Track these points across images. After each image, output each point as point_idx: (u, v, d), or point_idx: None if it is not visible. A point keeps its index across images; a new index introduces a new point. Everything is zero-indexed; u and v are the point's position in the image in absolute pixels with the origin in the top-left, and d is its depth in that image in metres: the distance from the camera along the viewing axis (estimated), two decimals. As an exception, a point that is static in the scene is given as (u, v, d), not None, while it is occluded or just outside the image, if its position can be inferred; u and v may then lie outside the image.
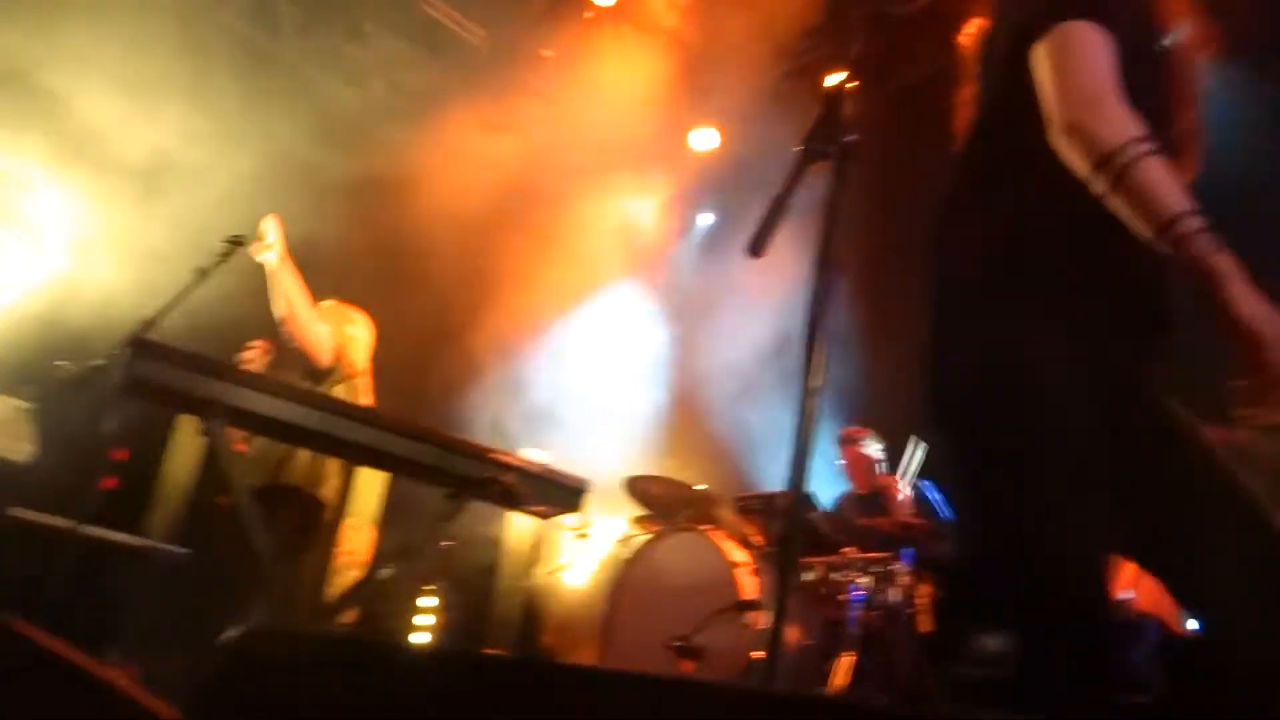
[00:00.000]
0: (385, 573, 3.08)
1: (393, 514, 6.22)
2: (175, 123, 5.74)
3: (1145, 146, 1.39)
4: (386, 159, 6.94)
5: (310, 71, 7.36)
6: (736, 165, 6.96)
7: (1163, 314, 1.59)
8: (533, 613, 5.33)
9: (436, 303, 6.84)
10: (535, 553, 5.51)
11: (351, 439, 2.48)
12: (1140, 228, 1.39)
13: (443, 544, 4.09)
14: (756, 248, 1.49)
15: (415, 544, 3.12)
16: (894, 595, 4.01)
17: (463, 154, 6.66)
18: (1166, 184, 1.38)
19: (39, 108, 5.36)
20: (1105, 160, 1.39)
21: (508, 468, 2.72)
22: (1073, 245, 1.52)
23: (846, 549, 4.25)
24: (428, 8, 7.14)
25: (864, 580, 4.04)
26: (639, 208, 7.24)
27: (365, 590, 3.14)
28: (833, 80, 1.73)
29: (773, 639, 1.51)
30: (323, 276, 6.38)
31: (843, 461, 5.30)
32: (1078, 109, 1.43)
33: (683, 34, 6.49)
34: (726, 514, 4.45)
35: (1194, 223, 1.35)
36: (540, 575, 5.39)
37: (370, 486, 5.76)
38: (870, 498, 5.08)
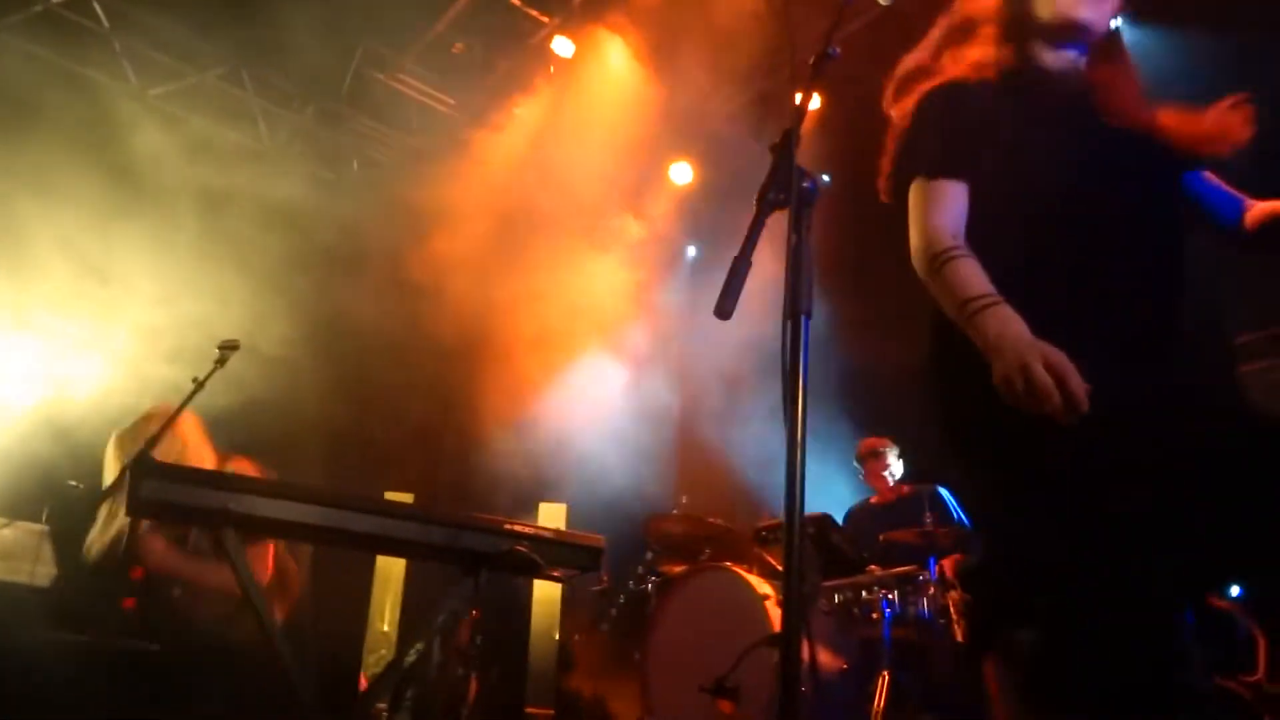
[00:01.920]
0: (415, 651, 3.07)
1: (418, 588, 6.26)
2: (152, 229, 5.83)
3: (945, 255, 1.77)
4: (370, 233, 7.03)
5: (285, 161, 7.47)
6: (714, 195, 7.04)
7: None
8: (568, 667, 5.32)
9: (439, 370, 6.89)
10: (563, 607, 5.50)
11: (361, 530, 2.50)
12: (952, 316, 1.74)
13: (469, 614, 4.09)
14: (724, 309, 1.51)
15: (441, 620, 3.10)
16: (925, 607, 4.00)
17: (444, 219, 6.74)
18: (960, 279, 1.73)
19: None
20: (925, 279, 1.82)
21: (521, 537, 2.73)
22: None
23: (872, 566, 4.24)
24: (397, 85, 7.25)
25: (893, 596, 4.03)
26: (626, 247, 7.30)
27: (397, 671, 3.14)
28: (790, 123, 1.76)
29: (784, 667, 1.51)
30: (326, 358, 6.46)
31: (863, 473, 5.31)
32: (914, 254, 1.84)
33: (645, 73, 6.57)
34: (748, 547, 4.44)
35: (974, 305, 1.69)
36: (571, 630, 5.37)
37: (390, 568, 5.79)
38: (891, 506, 5.08)
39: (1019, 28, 1.96)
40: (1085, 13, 1.90)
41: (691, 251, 7.57)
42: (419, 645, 3.08)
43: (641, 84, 6.50)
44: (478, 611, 4.27)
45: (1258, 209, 1.91)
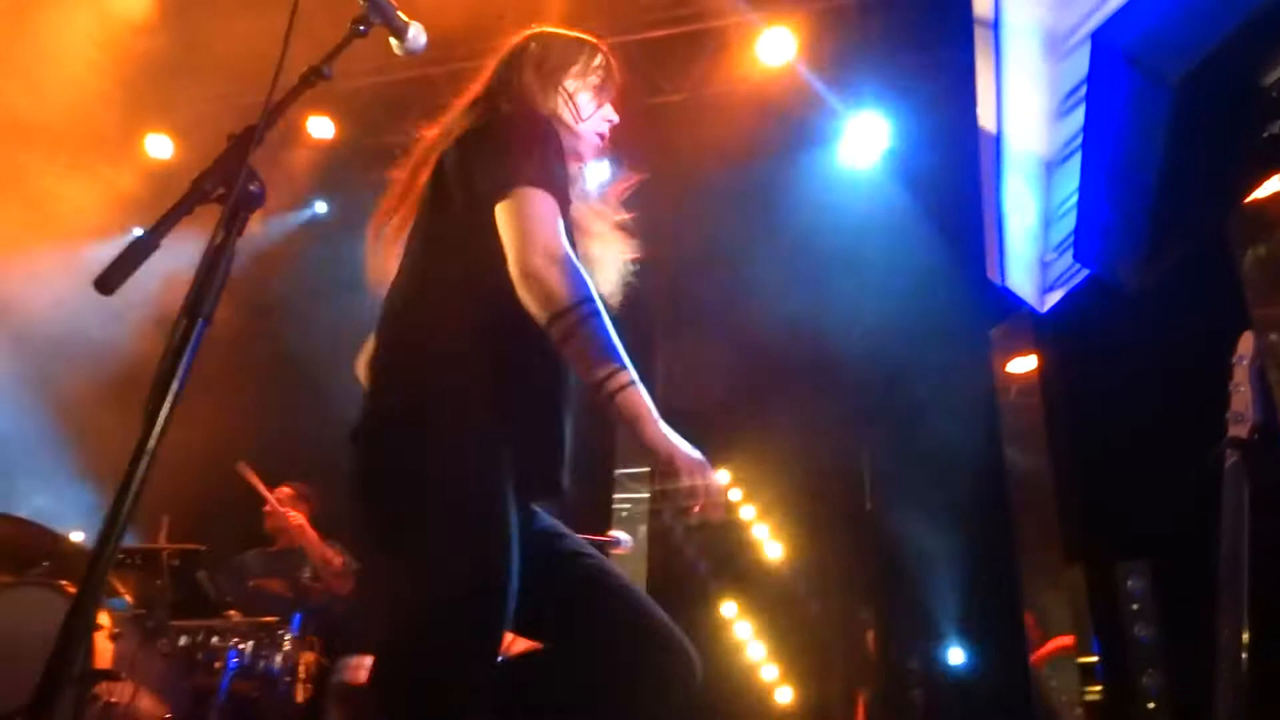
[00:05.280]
0: None
1: None
2: None
3: (596, 305, 1.65)
4: None
5: None
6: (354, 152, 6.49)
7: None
8: None
9: None
10: None
11: None
12: (582, 374, 1.64)
13: None
14: (106, 284, 1.32)
15: None
16: (276, 663, 3.82)
17: None
18: (607, 340, 1.63)
19: None
20: (560, 314, 1.62)
21: None
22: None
23: (232, 612, 3.97)
24: None
25: (246, 646, 3.80)
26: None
27: None
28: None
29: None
30: None
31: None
32: (539, 261, 1.64)
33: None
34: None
35: (631, 374, 1.63)
36: None
37: None
38: (284, 555, 4.82)
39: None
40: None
41: (322, 208, 7.10)
42: None
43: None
44: None
45: None
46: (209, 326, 1.43)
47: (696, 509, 1.62)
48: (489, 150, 1.85)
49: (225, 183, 1.52)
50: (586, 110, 2.08)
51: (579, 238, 1.99)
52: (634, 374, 1.64)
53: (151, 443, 1.32)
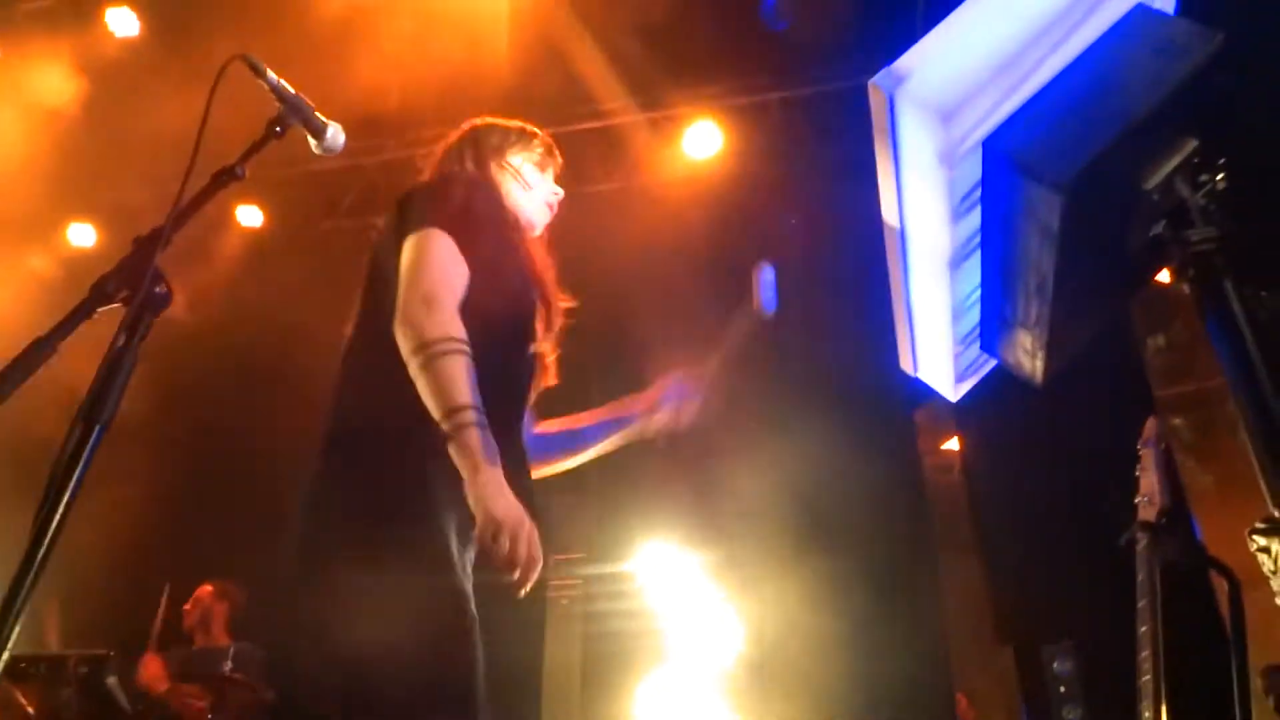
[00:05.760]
0: None
1: None
2: None
3: (454, 345, 1.67)
4: None
5: None
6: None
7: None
8: None
9: None
10: None
11: None
12: (432, 410, 1.65)
13: None
14: (-1, 391, 1.27)
15: None
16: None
17: None
18: (461, 379, 1.64)
19: None
20: (417, 349, 1.67)
21: None
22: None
23: (144, 720, 3.78)
24: None
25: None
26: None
27: None
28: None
29: None
30: None
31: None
32: (415, 303, 1.71)
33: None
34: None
35: (471, 416, 1.62)
36: None
37: None
38: (203, 654, 4.58)
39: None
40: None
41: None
42: None
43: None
44: None
45: None
46: (106, 432, 1.39)
47: (515, 578, 1.58)
48: (414, 201, 1.96)
49: (130, 285, 1.49)
50: (533, 180, 2.22)
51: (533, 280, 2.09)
52: (482, 419, 1.63)
53: (40, 556, 1.26)
